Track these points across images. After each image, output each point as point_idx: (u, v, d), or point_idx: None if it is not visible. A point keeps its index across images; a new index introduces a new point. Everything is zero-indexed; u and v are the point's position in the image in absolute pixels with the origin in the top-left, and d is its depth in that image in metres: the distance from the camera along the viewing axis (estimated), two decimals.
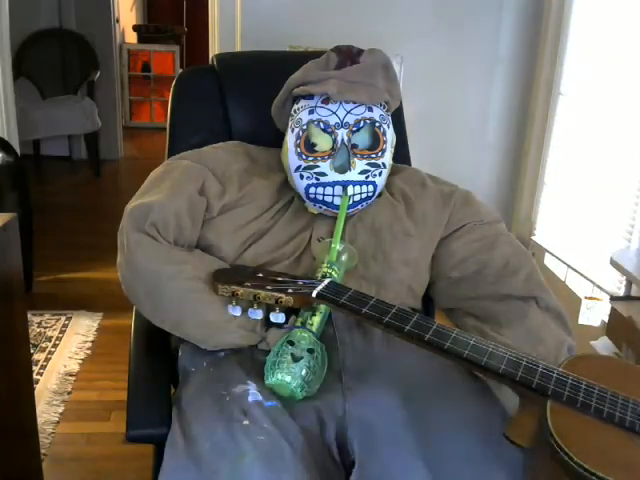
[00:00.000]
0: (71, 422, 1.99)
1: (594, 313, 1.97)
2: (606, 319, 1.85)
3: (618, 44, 2.20)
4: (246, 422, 0.92)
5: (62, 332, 2.50)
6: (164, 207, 1.12)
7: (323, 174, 1.18)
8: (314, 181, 1.18)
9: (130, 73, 6.00)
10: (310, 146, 1.19)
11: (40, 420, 1.87)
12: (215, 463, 0.87)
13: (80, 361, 2.32)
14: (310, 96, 1.20)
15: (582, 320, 1.98)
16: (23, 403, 1.38)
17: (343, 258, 1.14)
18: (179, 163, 1.23)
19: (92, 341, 2.46)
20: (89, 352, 2.38)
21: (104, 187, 4.53)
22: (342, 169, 1.17)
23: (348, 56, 1.24)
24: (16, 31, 3.47)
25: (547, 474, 0.82)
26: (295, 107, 1.23)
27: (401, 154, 1.46)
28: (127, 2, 6.33)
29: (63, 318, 2.61)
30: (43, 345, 2.40)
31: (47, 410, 2.02)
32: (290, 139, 1.22)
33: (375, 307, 0.98)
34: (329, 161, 1.17)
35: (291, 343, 1.00)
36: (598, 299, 2.00)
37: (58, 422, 1.98)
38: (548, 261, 2.55)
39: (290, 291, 1.01)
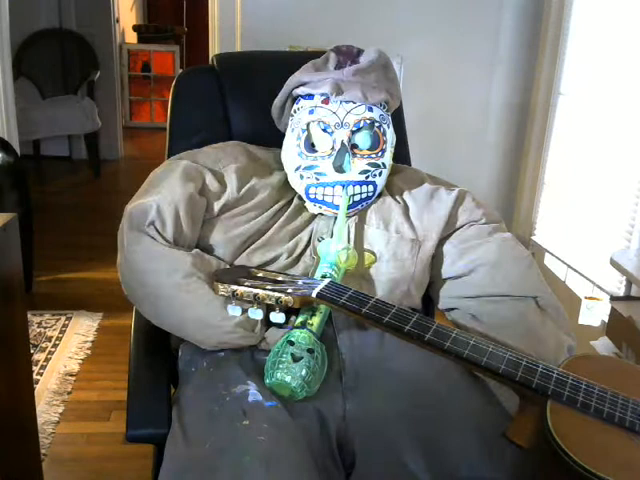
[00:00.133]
0: (71, 422, 1.99)
1: (594, 313, 1.97)
2: (606, 319, 1.85)
3: (618, 44, 2.20)
4: (246, 422, 0.92)
5: (62, 332, 2.50)
6: (164, 207, 1.12)
7: (323, 174, 1.18)
8: (314, 181, 1.18)
9: (130, 73, 6.00)
10: (310, 146, 1.19)
11: (40, 420, 1.87)
12: (215, 463, 0.87)
13: (80, 361, 2.32)
14: (310, 96, 1.20)
15: (582, 320, 1.98)
16: (23, 403, 1.38)
17: (343, 258, 1.14)
18: (179, 163, 1.23)
19: (92, 341, 2.46)
20: (89, 352, 2.38)
21: (104, 187, 4.53)
22: (342, 169, 1.17)
23: (348, 56, 1.24)
24: (16, 31, 3.48)
25: (547, 474, 0.82)
26: (295, 107, 1.23)
27: (401, 154, 1.46)
28: (127, 2, 6.34)
29: (63, 318, 2.61)
30: (43, 345, 2.40)
31: (47, 410, 2.02)
32: (290, 139, 1.22)
33: (375, 307, 0.98)
34: (329, 161, 1.17)
35: (291, 343, 1.00)
36: (598, 299, 2.00)
37: (58, 422, 1.98)
38: (548, 261, 2.55)
39: (290, 291, 1.01)
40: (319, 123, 1.18)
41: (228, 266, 1.15)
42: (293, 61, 1.32)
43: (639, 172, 2.03)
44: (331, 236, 1.17)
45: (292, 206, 1.22)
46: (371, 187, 1.19)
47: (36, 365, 2.25)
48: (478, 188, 1.44)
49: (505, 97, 2.83)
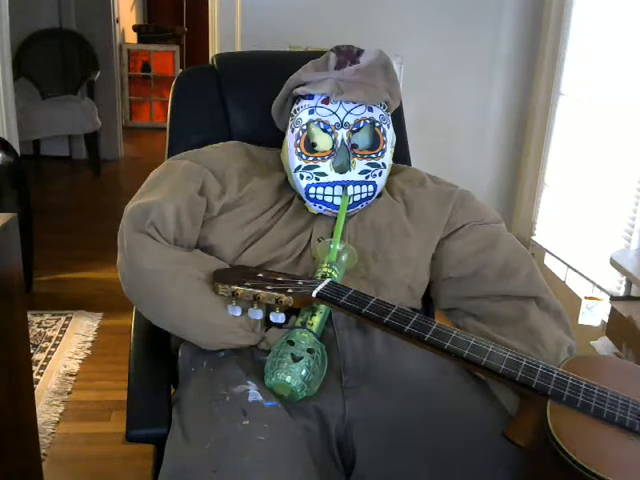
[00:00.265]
0: (71, 422, 1.99)
1: (594, 313, 1.97)
2: (606, 319, 1.85)
3: (618, 44, 2.20)
4: (246, 422, 0.92)
5: (62, 332, 2.50)
6: (164, 207, 1.12)
7: (323, 174, 1.18)
8: (314, 181, 1.18)
9: (130, 73, 6.00)
10: (310, 146, 1.19)
11: (40, 420, 1.87)
12: (215, 463, 0.87)
13: (80, 361, 2.32)
14: (310, 96, 1.20)
15: (582, 320, 1.98)
16: (23, 403, 1.38)
17: (343, 258, 1.14)
18: (179, 163, 1.23)
19: (92, 341, 2.46)
20: (89, 352, 2.38)
21: (104, 187, 4.53)
22: (342, 169, 1.17)
23: (348, 56, 1.24)
24: (16, 31, 3.47)
25: (547, 474, 0.82)
26: (295, 107, 1.23)
27: (401, 154, 1.46)
28: (127, 2, 6.33)
29: (63, 318, 2.61)
30: (43, 345, 2.40)
31: (47, 410, 2.02)
32: (290, 139, 1.22)
33: (375, 307, 0.98)
34: (329, 161, 1.17)
35: (291, 343, 1.00)
36: (598, 299, 2.00)
37: (58, 422, 1.98)
38: (548, 261, 2.55)
39: (290, 291, 1.01)
40: (319, 123, 1.18)
41: (228, 266, 1.15)
42: (293, 61, 1.32)
43: (639, 172, 2.03)
44: (331, 236, 1.17)
45: (292, 206, 1.22)
46: (371, 187, 1.19)
47: (36, 365, 2.25)
48: (478, 188, 1.44)
49: (505, 97, 2.83)
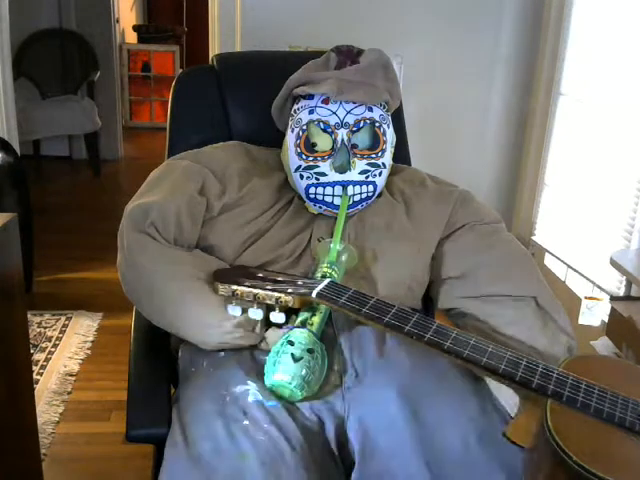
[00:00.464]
0: (71, 422, 1.99)
1: (594, 313, 1.97)
2: (606, 319, 1.85)
3: (618, 44, 2.20)
4: (246, 422, 0.92)
5: (62, 332, 2.50)
6: (164, 207, 1.12)
7: (323, 174, 1.18)
8: (314, 181, 1.18)
9: (130, 73, 5.99)
10: (310, 146, 1.19)
11: (40, 420, 1.87)
12: (215, 463, 0.87)
13: (80, 361, 2.32)
14: (310, 96, 1.20)
15: (582, 320, 1.98)
16: (23, 403, 1.38)
17: (343, 258, 1.14)
18: (179, 163, 1.23)
19: (92, 341, 2.46)
20: (89, 352, 2.38)
21: (104, 187, 4.52)
22: (342, 169, 1.17)
23: (348, 56, 1.24)
24: (16, 31, 3.47)
25: (547, 474, 0.82)
26: (295, 107, 1.23)
27: (401, 154, 1.46)
28: (127, 2, 6.33)
29: (63, 318, 2.61)
30: (43, 345, 2.40)
31: (47, 410, 2.02)
32: (290, 139, 1.22)
33: (375, 307, 0.98)
34: (329, 161, 1.17)
35: (291, 343, 1.00)
36: (598, 299, 1.99)
37: (58, 422, 1.98)
38: (548, 261, 2.55)
39: (290, 291, 1.01)
40: (319, 123, 1.18)
41: (228, 266, 1.15)
42: (293, 61, 1.32)
43: (639, 172, 2.03)
44: (331, 236, 1.17)
45: (292, 206, 1.23)
46: (371, 187, 1.19)
47: (36, 365, 2.25)
48: (478, 188, 1.44)
49: (505, 97, 2.83)
